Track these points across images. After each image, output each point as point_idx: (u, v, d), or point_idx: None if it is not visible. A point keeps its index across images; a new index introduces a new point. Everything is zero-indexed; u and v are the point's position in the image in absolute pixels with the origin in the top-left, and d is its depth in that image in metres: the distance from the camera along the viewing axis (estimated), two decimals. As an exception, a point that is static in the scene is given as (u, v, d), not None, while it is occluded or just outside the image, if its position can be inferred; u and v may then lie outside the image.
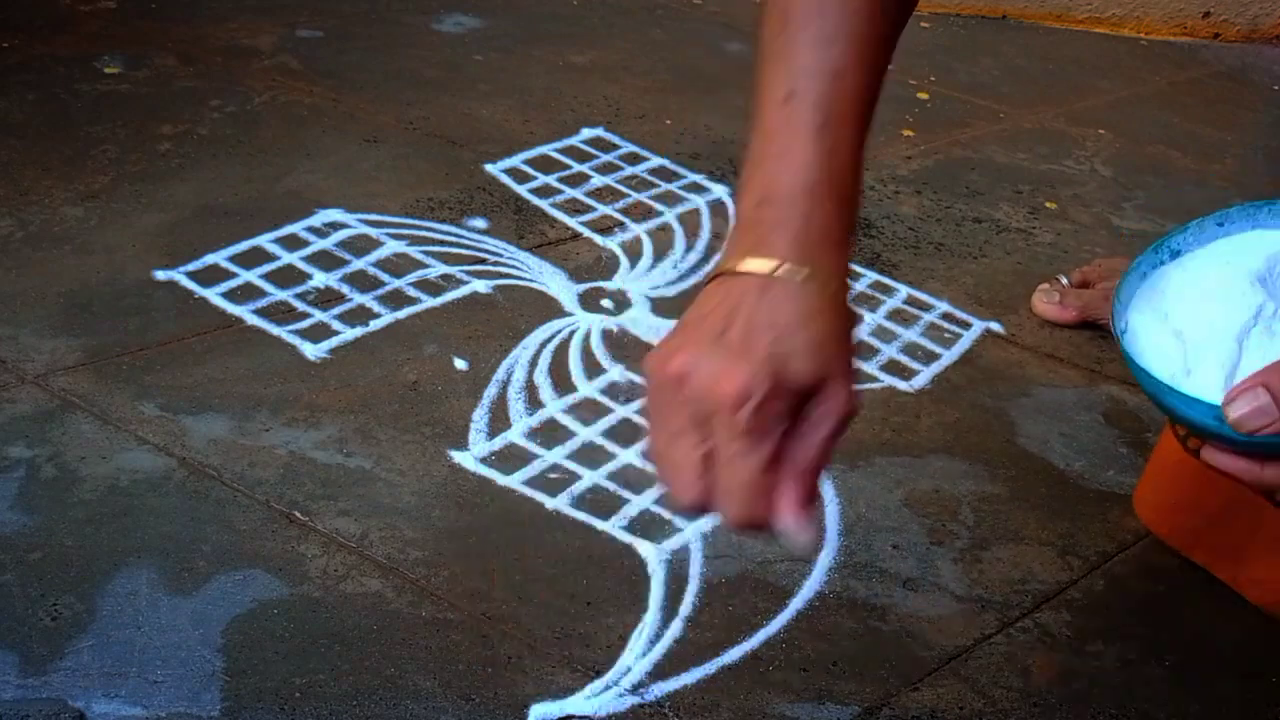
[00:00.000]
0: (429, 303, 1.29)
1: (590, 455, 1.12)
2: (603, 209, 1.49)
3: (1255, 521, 1.00)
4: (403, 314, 1.27)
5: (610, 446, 1.13)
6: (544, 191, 1.51)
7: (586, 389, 1.20)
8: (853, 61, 0.81)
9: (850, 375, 0.76)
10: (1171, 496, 1.04)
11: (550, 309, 1.30)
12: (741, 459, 0.73)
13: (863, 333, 1.32)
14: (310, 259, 1.34)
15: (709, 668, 0.93)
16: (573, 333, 1.27)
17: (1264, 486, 0.75)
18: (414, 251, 1.37)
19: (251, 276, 1.30)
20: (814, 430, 0.74)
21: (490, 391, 1.18)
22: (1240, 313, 0.79)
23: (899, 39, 0.85)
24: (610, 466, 1.11)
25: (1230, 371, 0.77)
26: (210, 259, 1.32)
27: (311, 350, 1.21)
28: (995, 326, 1.37)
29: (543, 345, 1.25)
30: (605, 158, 1.60)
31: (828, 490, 1.11)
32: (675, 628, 0.96)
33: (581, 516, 1.05)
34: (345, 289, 1.30)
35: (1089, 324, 1.37)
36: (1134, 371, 0.77)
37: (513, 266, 1.37)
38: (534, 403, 1.17)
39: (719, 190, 1.55)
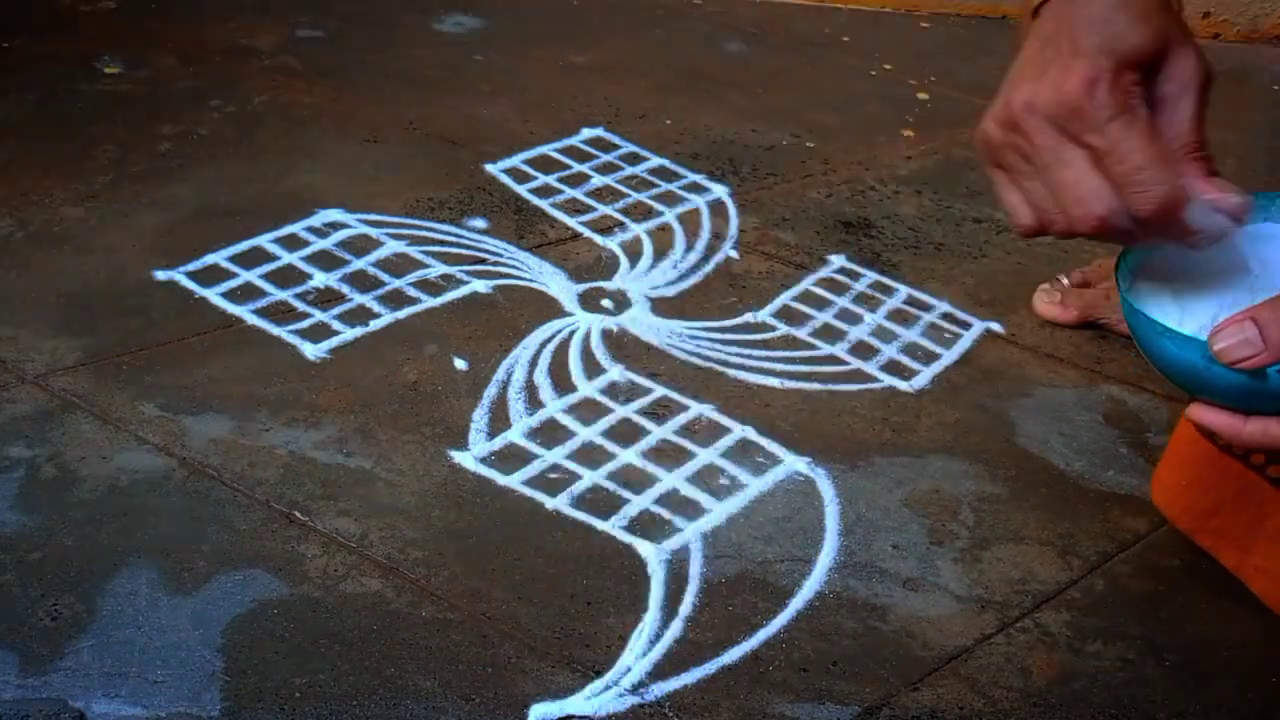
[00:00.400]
0: (429, 303, 1.29)
1: (590, 455, 1.12)
2: (603, 209, 1.49)
3: (1264, 510, 1.00)
4: (403, 314, 1.27)
5: (610, 446, 1.13)
6: (544, 191, 1.52)
7: (586, 389, 1.20)
8: None
9: (1191, 40, 0.74)
10: (1183, 477, 1.04)
11: (550, 309, 1.31)
12: (1125, 141, 0.71)
13: (863, 332, 1.32)
14: (310, 259, 1.34)
15: (709, 668, 0.93)
16: (573, 333, 1.27)
17: (1243, 442, 0.77)
18: (414, 251, 1.37)
19: (251, 276, 1.30)
20: (1179, 105, 0.73)
21: (490, 391, 1.18)
22: (1231, 286, 0.79)
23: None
24: (610, 466, 1.11)
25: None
26: (210, 259, 1.32)
27: (311, 350, 1.21)
28: (995, 326, 1.37)
29: (543, 345, 1.25)
30: (605, 158, 1.60)
31: (828, 490, 1.11)
32: (675, 628, 0.96)
33: (581, 516, 1.06)
34: (345, 289, 1.30)
35: (1089, 324, 1.37)
36: (1130, 318, 0.79)
37: (513, 266, 1.37)
38: (534, 403, 1.18)
39: (719, 190, 1.56)
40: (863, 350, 1.30)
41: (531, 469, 1.10)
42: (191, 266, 1.31)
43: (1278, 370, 0.74)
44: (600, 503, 1.07)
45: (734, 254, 1.43)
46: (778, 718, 0.90)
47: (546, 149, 1.61)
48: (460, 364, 1.21)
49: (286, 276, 1.31)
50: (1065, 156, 0.73)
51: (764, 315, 1.33)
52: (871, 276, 1.42)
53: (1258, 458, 0.99)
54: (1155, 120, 0.73)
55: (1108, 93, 0.71)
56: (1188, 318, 0.80)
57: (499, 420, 1.15)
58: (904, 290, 1.41)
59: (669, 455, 1.13)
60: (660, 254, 1.42)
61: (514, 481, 1.08)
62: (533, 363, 1.22)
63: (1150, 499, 1.09)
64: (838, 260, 1.44)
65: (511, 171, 1.55)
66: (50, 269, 1.29)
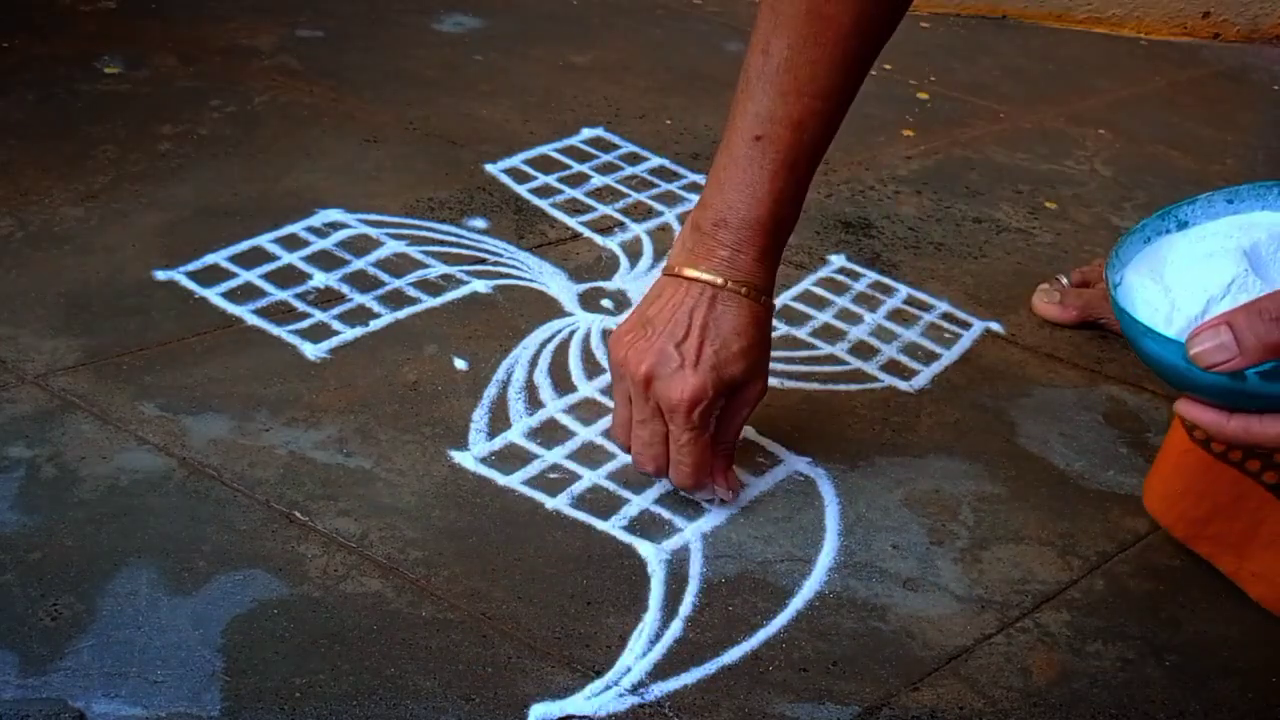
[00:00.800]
0: (429, 303, 1.29)
1: (590, 455, 1.12)
2: (603, 209, 1.49)
3: (1259, 516, 1.00)
4: (403, 314, 1.27)
5: (610, 446, 1.13)
6: (544, 191, 1.52)
7: (586, 389, 1.20)
8: (813, 114, 0.99)
9: (765, 372, 1.03)
10: (1177, 485, 1.04)
11: (550, 309, 1.31)
12: (691, 445, 1.01)
13: (863, 333, 1.32)
14: (310, 259, 1.34)
15: (709, 668, 0.93)
16: (573, 333, 1.27)
17: (1226, 438, 0.79)
18: (414, 251, 1.37)
19: (251, 276, 1.30)
20: (736, 416, 1.03)
21: (490, 391, 1.18)
22: (1221, 277, 0.80)
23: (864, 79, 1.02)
24: (610, 466, 1.11)
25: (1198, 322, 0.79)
26: (210, 259, 1.32)
27: (311, 350, 1.21)
28: (995, 326, 1.37)
29: (543, 345, 1.25)
30: (605, 158, 1.61)
31: (828, 490, 1.11)
32: (675, 628, 0.96)
33: (581, 516, 1.06)
34: (345, 289, 1.30)
35: (1089, 324, 1.37)
36: (1118, 317, 0.81)
37: (513, 266, 1.37)
38: (534, 403, 1.18)
39: (719, 190, 1.55)
40: (863, 350, 1.30)
41: (531, 469, 1.10)
42: (191, 266, 1.31)
43: (1257, 372, 0.74)
44: (600, 503, 1.07)
45: (734, 254, 1.43)
46: (778, 718, 0.90)
47: (546, 149, 1.61)
48: (460, 364, 1.21)
49: (286, 276, 1.31)
50: (649, 426, 1.02)
51: (764, 315, 1.33)
52: (871, 276, 1.42)
53: (1253, 463, 0.99)
54: (720, 422, 1.03)
55: (699, 414, 1.00)
56: (1177, 312, 0.80)
57: (499, 420, 1.15)
58: (904, 290, 1.41)
59: (669, 455, 1.13)
60: (660, 254, 1.42)
61: (514, 481, 1.08)
62: (533, 363, 1.22)
63: (1146, 509, 1.09)
64: (838, 260, 1.45)
65: (511, 171, 1.55)
66: (50, 269, 1.29)
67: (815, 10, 0.97)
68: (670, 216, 1.49)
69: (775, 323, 1.32)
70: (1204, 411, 0.79)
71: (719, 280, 1.00)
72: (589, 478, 1.09)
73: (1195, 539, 1.05)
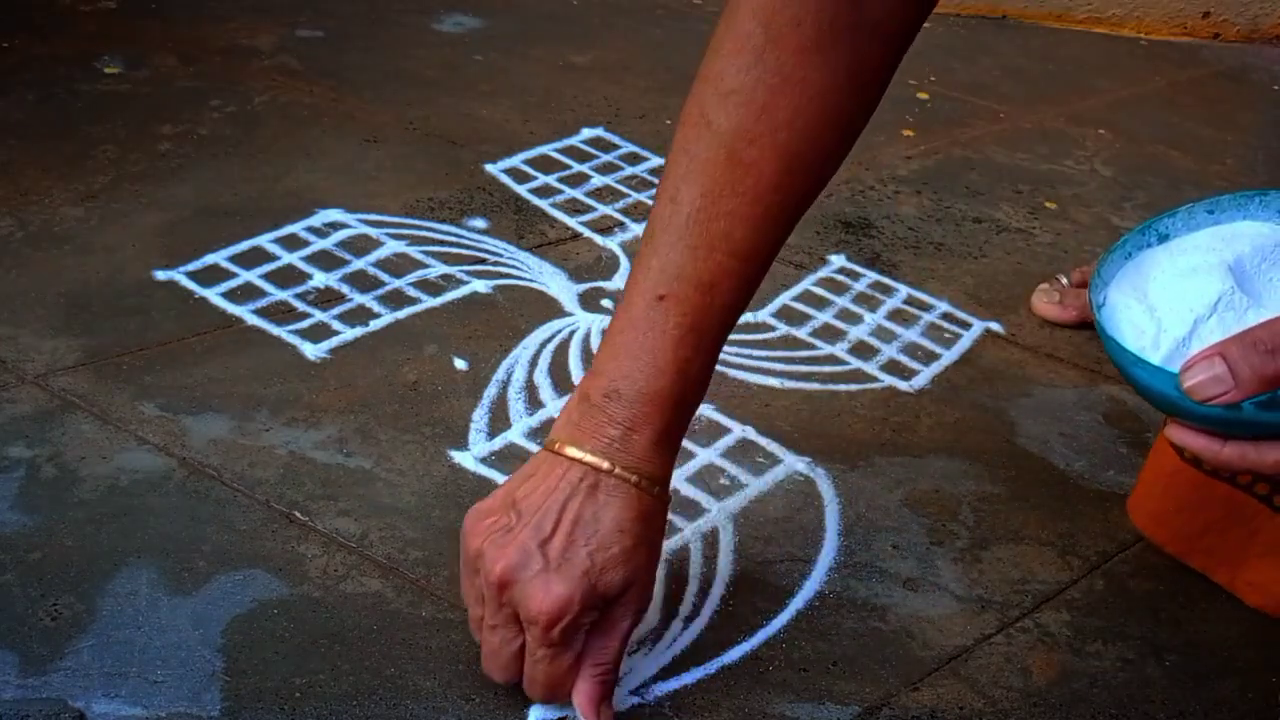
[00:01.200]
0: (429, 303, 1.29)
1: (590, 455, 1.12)
2: (603, 209, 1.49)
3: (1252, 528, 1.00)
4: (403, 314, 1.27)
5: (610, 446, 1.13)
6: (544, 191, 1.52)
7: (586, 389, 1.20)
8: (727, 273, 0.85)
9: (650, 579, 0.86)
10: (1169, 503, 1.04)
11: (550, 309, 1.31)
12: (547, 664, 0.84)
13: (863, 333, 1.32)
14: (310, 259, 1.34)
15: (709, 668, 0.93)
16: (573, 333, 1.27)
17: (1221, 464, 0.77)
18: (414, 251, 1.37)
19: (251, 276, 1.30)
20: (613, 630, 0.85)
21: (490, 391, 1.18)
22: (1207, 295, 0.79)
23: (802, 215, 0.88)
24: (610, 466, 1.11)
25: (1188, 347, 0.78)
26: (210, 259, 1.32)
27: (311, 350, 1.21)
28: (995, 326, 1.37)
29: (543, 345, 1.25)
30: (605, 158, 1.61)
31: (828, 490, 1.11)
32: (675, 628, 0.96)
33: (581, 516, 1.05)
34: (345, 289, 1.30)
35: (1089, 324, 1.37)
36: (1105, 343, 0.79)
37: (513, 266, 1.37)
38: (534, 403, 1.18)
39: (719, 190, 1.55)
40: (863, 350, 1.30)
41: (531, 469, 1.10)
42: (191, 266, 1.31)
43: (1253, 403, 0.73)
44: (600, 503, 1.07)
45: (734, 254, 1.43)
46: (778, 718, 0.90)
47: (546, 149, 1.61)
48: (460, 364, 1.21)
49: (286, 276, 1.31)
50: (501, 633, 0.85)
51: (764, 315, 1.33)
52: (871, 276, 1.42)
53: (1244, 476, 0.99)
54: (592, 629, 0.84)
55: (560, 631, 0.83)
56: (1164, 334, 0.79)
57: (499, 420, 1.15)
58: (904, 290, 1.41)
59: (669, 455, 1.13)
60: (660, 254, 1.42)
61: (514, 481, 1.08)
62: (533, 363, 1.22)
63: (1135, 527, 1.09)
64: (838, 260, 1.45)
65: (511, 171, 1.55)
66: (50, 269, 1.29)
67: (734, 155, 0.83)
68: (670, 216, 1.49)
69: (775, 323, 1.32)
70: (1196, 438, 0.77)
71: (604, 464, 0.84)
72: (589, 478, 1.09)
73: (1189, 553, 1.05)
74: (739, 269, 0.85)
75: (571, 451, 0.85)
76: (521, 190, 1.51)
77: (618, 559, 0.83)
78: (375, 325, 1.25)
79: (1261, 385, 0.72)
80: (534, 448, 1.12)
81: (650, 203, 1.51)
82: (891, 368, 1.28)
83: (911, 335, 1.33)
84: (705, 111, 0.84)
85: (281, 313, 1.26)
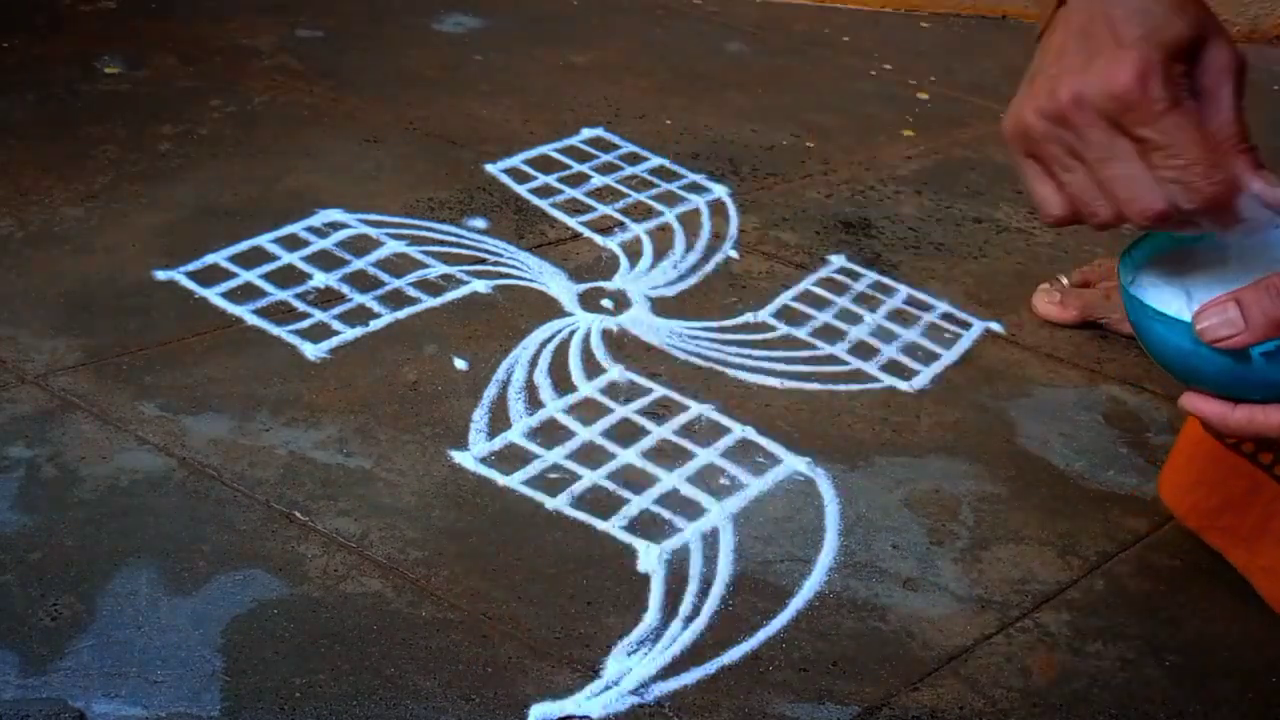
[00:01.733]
0: (429, 303, 1.29)
1: (590, 455, 1.12)
2: (603, 209, 1.49)
3: (1271, 510, 1.00)
4: (403, 314, 1.27)
5: (610, 446, 1.13)
6: (544, 191, 1.52)
7: (586, 389, 1.20)
8: None
9: (1223, 30, 0.76)
10: (1191, 475, 1.04)
11: (550, 309, 1.31)
12: (1178, 131, 0.72)
13: (863, 333, 1.32)
14: (310, 259, 1.34)
15: (709, 668, 0.93)
16: (573, 333, 1.27)
17: (1231, 430, 0.78)
18: (414, 251, 1.37)
19: (251, 276, 1.30)
20: (1219, 96, 0.76)
21: (490, 391, 1.18)
22: (1242, 279, 0.79)
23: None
24: (610, 466, 1.11)
25: None
26: (210, 259, 1.32)
27: (311, 350, 1.21)
28: (995, 326, 1.37)
29: (543, 345, 1.25)
30: (605, 158, 1.60)
31: (828, 490, 1.11)
32: (675, 628, 0.96)
33: (581, 516, 1.05)
34: (345, 289, 1.30)
35: (1089, 324, 1.37)
36: (1126, 304, 0.80)
37: (513, 266, 1.37)
38: (534, 403, 1.18)
39: (719, 190, 1.56)
40: (863, 350, 1.30)
41: (531, 469, 1.10)
42: (191, 266, 1.31)
43: (1261, 353, 0.74)
44: (600, 503, 1.07)
45: (734, 254, 1.43)
46: (778, 718, 0.90)
47: (546, 149, 1.61)
48: (460, 364, 1.21)
49: (286, 276, 1.31)
50: (1118, 150, 0.74)
51: (764, 315, 1.33)
52: (871, 276, 1.42)
53: (1265, 456, 0.99)
54: (1199, 112, 0.74)
55: (1160, 86, 0.72)
56: (1186, 312, 0.80)
57: (499, 420, 1.15)
58: (904, 290, 1.41)
59: (669, 455, 1.13)
60: (660, 254, 1.42)
61: (514, 481, 1.08)
62: (533, 363, 1.22)
63: (1151, 498, 1.09)
64: (838, 260, 1.45)
65: (511, 171, 1.55)
66: (50, 269, 1.29)
67: None
68: (670, 216, 1.49)
69: (775, 323, 1.32)
70: (1208, 403, 0.78)
71: None
72: (589, 478, 1.09)
73: (1207, 530, 1.05)
74: None
75: None
76: (521, 190, 1.51)
77: (1167, 15, 0.74)
78: (375, 325, 1.25)
79: (1272, 329, 0.73)
80: (534, 448, 1.12)
81: (650, 203, 1.51)
82: (891, 368, 1.28)
83: (911, 335, 1.33)
84: None
85: (281, 313, 1.26)
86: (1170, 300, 0.81)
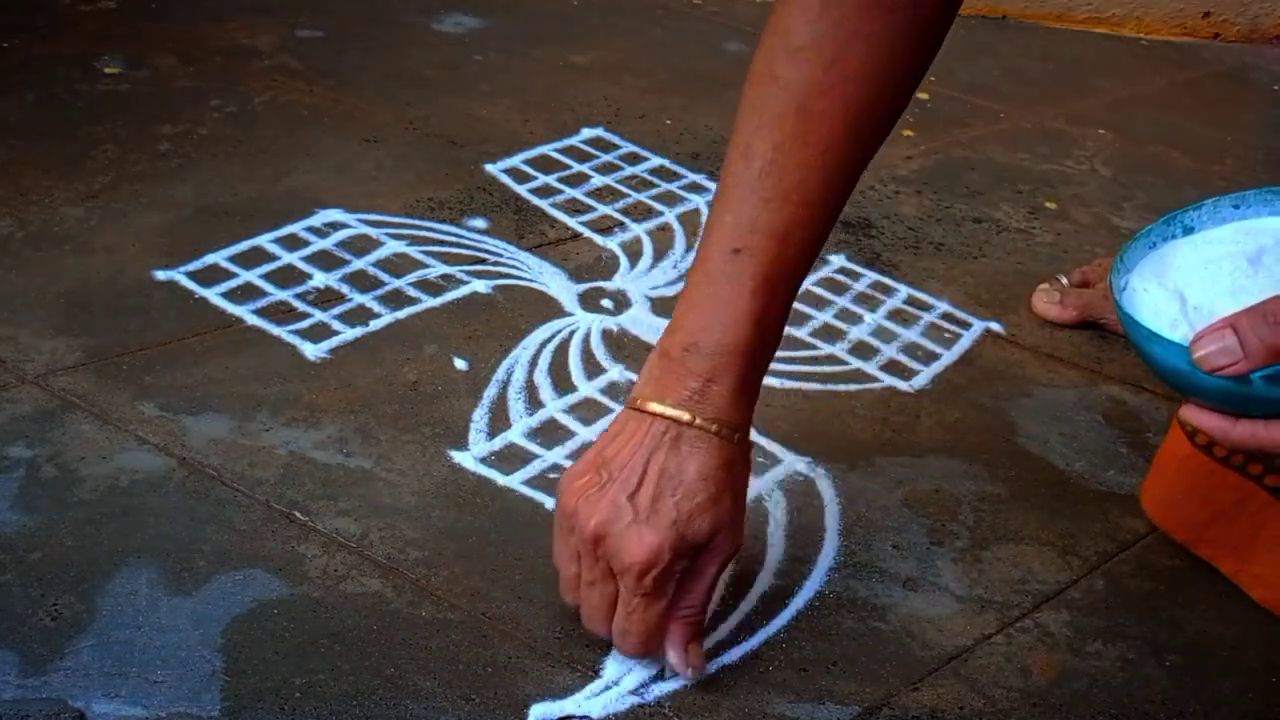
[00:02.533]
0: (429, 303, 1.29)
1: (590, 455, 1.12)
2: (603, 209, 1.49)
3: (1260, 518, 1.00)
4: (403, 314, 1.27)
5: (610, 446, 1.13)
6: (544, 191, 1.52)
7: (586, 389, 1.20)
8: (800, 223, 0.88)
9: (738, 524, 0.90)
10: (1178, 490, 1.04)
11: (550, 309, 1.31)
12: (640, 613, 0.87)
13: (863, 333, 1.32)
14: (310, 259, 1.34)
15: (709, 667, 0.93)
16: (573, 333, 1.27)
17: (1233, 444, 0.78)
18: (414, 251, 1.37)
19: (251, 276, 1.30)
20: (700, 576, 0.89)
21: (490, 391, 1.18)
22: (1227, 283, 0.80)
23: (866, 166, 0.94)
24: (610, 466, 1.11)
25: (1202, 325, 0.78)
26: (210, 259, 1.32)
27: (311, 350, 1.21)
28: (995, 326, 1.37)
29: (543, 345, 1.25)
30: (605, 158, 1.60)
31: (828, 490, 1.11)
32: (675, 628, 0.96)
33: (581, 516, 1.05)
34: (345, 289, 1.30)
35: (1089, 324, 1.37)
36: (1123, 322, 0.80)
37: (513, 266, 1.37)
38: (534, 403, 1.18)
39: (719, 190, 1.55)
40: (863, 350, 1.30)
41: (531, 469, 1.10)
42: (191, 266, 1.31)
43: (1261, 377, 0.74)
44: (600, 503, 1.07)
45: (734, 254, 1.43)
46: (778, 718, 0.90)
47: (546, 149, 1.61)
48: (460, 364, 1.21)
49: (286, 276, 1.31)
50: (599, 588, 0.89)
51: (764, 315, 1.33)
52: (871, 276, 1.42)
53: (1255, 467, 0.99)
54: (681, 586, 0.88)
55: (652, 580, 0.86)
56: (1181, 318, 0.80)
57: (499, 420, 1.15)
58: (904, 290, 1.41)
59: (669, 455, 1.13)
60: (660, 254, 1.42)
61: (514, 481, 1.08)
62: (533, 363, 1.22)
63: (1146, 514, 1.09)
64: (838, 260, 1.44)
65: (511, 171, 1.55)
66: (50, 269, 1.29)
67: (804, 107, 0.88)
68: (670, 216, 1.49)
69: (775, 323, 1.32)
70: (1209, 417, 0.78)
71: (685, 416, 0.87)
72: (589, 478, 1.09)
73: (1196, 542, 1.05)
74: (811, 218, 0.88)
75: (654, 406, 0.88)
76: (521, 190, 1.51)
77: (704, 507, 0.86)
78: (375, 325, 1.25)
79: (1270, 356, 0.73)
80: (534, 447, 1.12)
81: (650, 203, 1.51)
82: (891, 368, 1.28)
83: (911, 335, 1.33)
84: (773, 68, 0.89)
85: (281, 313, 1.26)
86: (1164, 306, 0.81)
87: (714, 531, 0.87)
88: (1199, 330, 0.76)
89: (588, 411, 1.17)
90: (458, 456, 1.11)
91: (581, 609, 0.91)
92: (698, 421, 0.87)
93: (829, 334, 1.32)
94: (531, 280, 1.35)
